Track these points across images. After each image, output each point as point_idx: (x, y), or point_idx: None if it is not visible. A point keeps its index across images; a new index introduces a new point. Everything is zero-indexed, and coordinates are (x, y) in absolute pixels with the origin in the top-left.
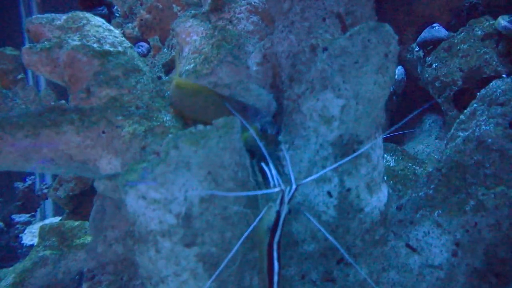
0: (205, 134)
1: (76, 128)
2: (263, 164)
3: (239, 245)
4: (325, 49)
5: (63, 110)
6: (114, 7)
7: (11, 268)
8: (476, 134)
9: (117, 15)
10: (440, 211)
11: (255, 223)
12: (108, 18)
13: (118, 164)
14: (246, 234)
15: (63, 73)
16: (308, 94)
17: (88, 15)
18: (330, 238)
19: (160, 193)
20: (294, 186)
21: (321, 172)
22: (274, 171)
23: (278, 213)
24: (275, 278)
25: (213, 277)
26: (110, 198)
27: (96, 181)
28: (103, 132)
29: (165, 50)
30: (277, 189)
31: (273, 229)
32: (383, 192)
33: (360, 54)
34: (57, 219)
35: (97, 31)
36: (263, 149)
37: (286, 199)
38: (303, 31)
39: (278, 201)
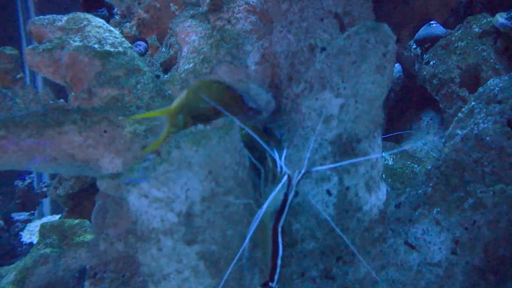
0: (206, 134)
1: (79, 127)
2: (268, 151)
3: (250, 236)
4: (323, 49)
5: (66, 110)
6: (114, 9)
7: (12, 266)
8: (474, 132)
9: (117, 17)
10: (439, 209)
11: (264, 206)
12: (108, 19)
13: (120, 163)
14: (257, 220)
15: (65, 74)
16: (307, 94)
17: (89, 16)
18: (336, 228)
19: (162, 191)
20: (303, 170)
21: (336, 165)
22: (278, 159)
23: (286, 196)
24: (279, 262)
25: (222, 281)
26: (112, 197)
27: (98, 179)
28: (105, 132)
29: (163, 49)
30: (284, 174)
31: (279, 212)
32: (382, 191)
33: (358, 54)
34: (55, 217)
35: (98, 32)
36: (261, 142)
37: (295, 181)
38: (301, 31)
39: (285, 185)
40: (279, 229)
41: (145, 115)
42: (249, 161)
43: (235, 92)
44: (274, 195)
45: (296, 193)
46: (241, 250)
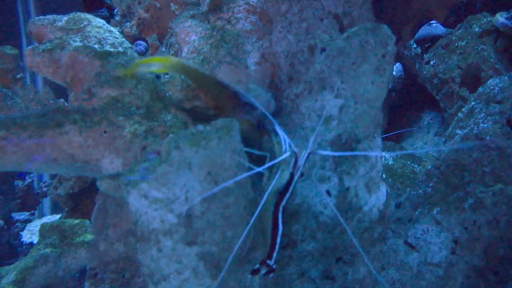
0: (206, 135)
1: (79, 128)
2: (277, 128)
3: (255, 217)
4: (323, 49)
5: (66, 111)
6: (114, 9)
7: (12, 266)
8: (474, 132)
9: (117, 17)
10: (438, 209)
11: (271, 187)
12: (108, 20)
13: (120, 164)
14: (264, 198)
15: (65, 74)
16: (307, 94)
17: (89, 16)
18: (343, 223)
19: (162, 192)
20: (308, 150)
21: (344, 153)
22: (285, 138)
23: (292, 176)
24: (278, 240)
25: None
26: (112, 197)
27: (99, 180)
28: (105, 132)
29: (163, 49)
30: (288, 154)
31: (283, 192)
32: (382, 191)
33: (358, 55)
34: (55, 217)
35: (98, 32)
36: (272, 119)
37: (302, 161)
38: (301, 31)
39: (291, 165)
40: (280, 208)
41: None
42: (248, 161)
43: (229, 89)
44: (279, 176)
45: (302, 174)
46: (245, 231)
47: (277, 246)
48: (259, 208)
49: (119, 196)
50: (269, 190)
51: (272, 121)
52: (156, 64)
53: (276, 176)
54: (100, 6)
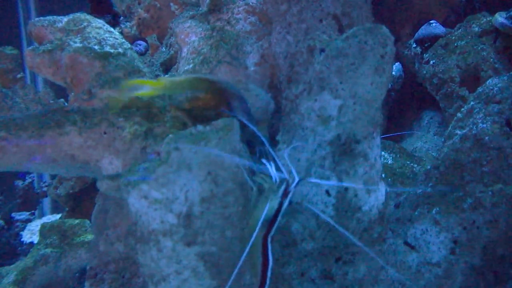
0: (205, 135)
1: (79, 129)
2: (263, 159)
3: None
4: (322, 50)
5: (66, 111)
6: (120, 17)
7: (12, 266)
8: (473, 132)
9: (123, 26)
10: (438, 209)
11: (263, 216)
12: (113, 26)
13: (120, 164)
14: (260, 222)
15: (65, 75)
16: (306, 95)
17: (89, 17)
18: (339, 228)
19: (161, 193)
20: (297, 179)
21: (334, 183)
22: (275, 163)
23: (281, 204)
24: (269, 274)
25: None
26: (112, 198)
27: (99, 180)
28: (105, 133)
29: (163, 49)
30: (279, 176)
31: (272, 221)
32: (381, 191)
33: (357, 55)
34: (55, 216)
35: (98, 33)
36: (264, 139)
37: (292, 188)
38: (300, 32)
39: (280, 192)
40: (269, 239)
41: (138, 82)
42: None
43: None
44: (268, 207)
45: (290, 202)
46: (242, 259)
47: (268, 280)
48: (251, 241)
49: (119, 197)
50: (260, 223)
51: (268, 146)
52: (147, 86)
53: (266, 208)
54: (107, 12)
